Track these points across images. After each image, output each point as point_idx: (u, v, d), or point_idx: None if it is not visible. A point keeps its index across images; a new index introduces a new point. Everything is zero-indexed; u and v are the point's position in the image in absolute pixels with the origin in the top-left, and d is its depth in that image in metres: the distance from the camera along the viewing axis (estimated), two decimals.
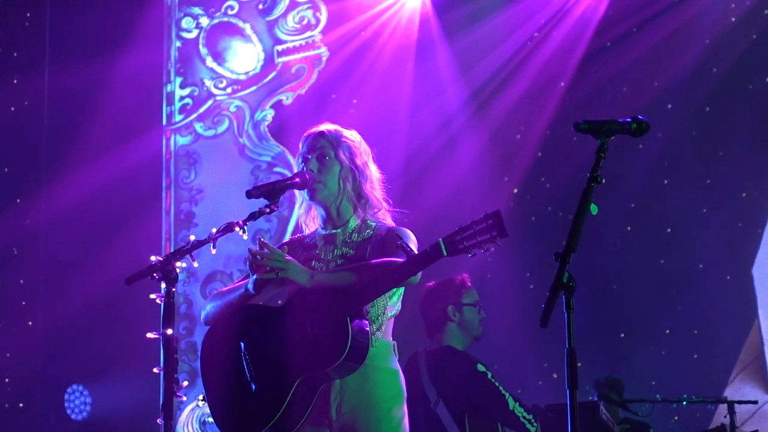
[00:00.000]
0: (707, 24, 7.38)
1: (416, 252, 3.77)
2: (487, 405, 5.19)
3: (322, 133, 4.13)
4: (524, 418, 5.15)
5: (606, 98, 7.43)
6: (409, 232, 4.01)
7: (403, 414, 3.95)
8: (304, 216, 4.22)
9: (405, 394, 3.99)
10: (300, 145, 4.17)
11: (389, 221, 4.12)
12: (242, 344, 3.94)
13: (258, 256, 3.85)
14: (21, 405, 8.18)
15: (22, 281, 8.34)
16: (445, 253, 3.65)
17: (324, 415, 3.88)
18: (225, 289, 4.18)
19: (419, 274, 3.81)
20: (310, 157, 4.10)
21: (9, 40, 8.62)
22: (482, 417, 5.24)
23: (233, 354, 3.95)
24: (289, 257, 3.89)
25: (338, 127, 4.18)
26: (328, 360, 3.73)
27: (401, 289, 4.03)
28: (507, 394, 5.17)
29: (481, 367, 5.24)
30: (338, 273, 3.89)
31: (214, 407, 4.02)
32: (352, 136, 4.17)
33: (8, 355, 8.14)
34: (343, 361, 3.72)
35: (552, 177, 7.66)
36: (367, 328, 3.80)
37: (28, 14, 8.68)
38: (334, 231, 4.09)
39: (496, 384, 5.18)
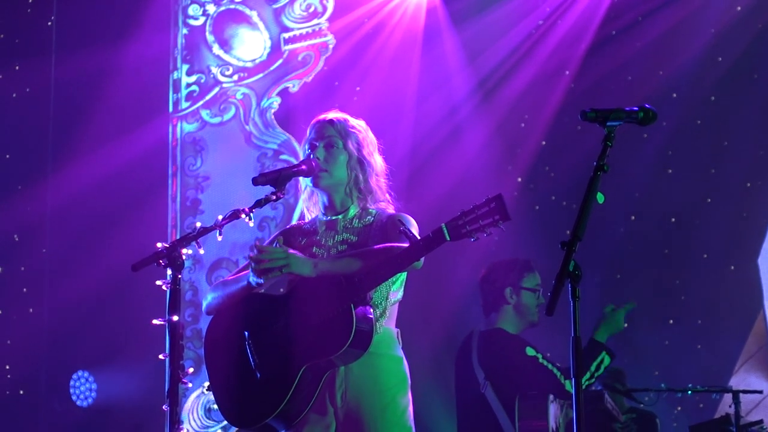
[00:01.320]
0: (713, 13, 7.36)
1: (418, 237, 3.78)
2: (540, 386, 5.21)
3: (331, 121, 4.13)
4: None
5: (611, 87, 7.42)
6: (410, 217, 4.02)
7: (408, 401, 3.97)
8: (306, 201, 4.24)
9: (409, 381, 4.00)
10: (308, 131, 4.18)
11: (390, 209, 4.13)
12: (246, 333, 3.95)
13: (259, 261, 3.86)
14: (21, 392, 8.18)
15: (23, 268, 8.33)
16: (448, 238, 3.65)
17: (329, 403, 3.89)
18: (228, 277, 4.19)
19: (422, 260, 3.81)
20: (317, 144, 4.10)
21: (10, 26, 8.60)
22: (533, 399, 5.24)
23: (237, 343, 3.96)
24: (290, 251, 3.89)
25: (347, 116, 4.19)
26: (333, 347, 3.74)
27: (403, 276, 4.03)
28: (558, 373, 5.17)
29: (530, 351, 5.24)
30: (341, 260, 3.89)
31: (219, 396, 4.03)
32: (360, 126, 4.18)
33: (9, 342, 8.14)
34: (347, 348, 3.73)
35: (556, 166, 7.65)
36: (371, 315, 3.81)
37: (30, 0, 8.67)
38: (335, 217, 4.11)
39: (548, 365, 5.19)
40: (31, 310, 8.23)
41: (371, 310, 3.82)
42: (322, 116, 4.19)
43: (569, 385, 5.10)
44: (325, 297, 3.78)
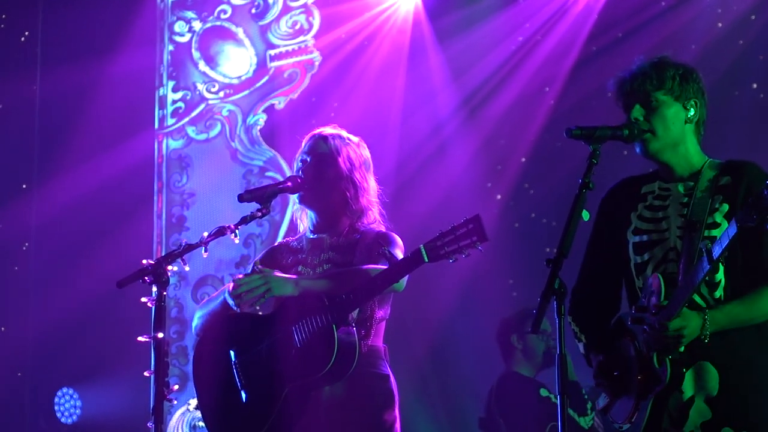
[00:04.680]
0: (695, 30, 7.39)
1: (402, 257, 3.79)
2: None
3: (326, 137, 4.10)
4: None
5: (593, 104, 7.44)
6: (396, 237, 4.01)
7: (394, 418, 3.96)
8: (297, 211, 4.23)
9: (396, 398, 3.99)
10: (303, 143, 4.16)
11: (380, 228, 4.11)
12: (232, 353, 3.95)
13: (238, 296, 3.87)
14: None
15: None
16: (426, 260, 3.67)
17: (315, 422, 3.88)
18: (213, 295, 4.20)
19: (404, 281, 3.81)
20: (308, 159, 4.09)
21: None
22: None
23: (224, 363, 3.96)
24: (270, 273, 3.89)
25: (344, 135, 4.14)
26: (316, 367, 3.74)
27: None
28: (573, 412, 5.41)
29: (544, 392, 5.53)
30: (322, 279, 3.89)
31: (207, 416, 4.04)
32: (355, 146, 4.14)
33: None
34: (330, 368, 3.73)
35: (535, 183, 7.66)
36: (354, 335, 3.80)
37: (4, 16, 8.61)
38: (321, 235, 4.10)
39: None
40: (2, 328, 8.16)
41: (354, 330, 3.81)
42: (318, 131, 4.16)
43: (583, 422, 5.32)
44: (308, 317, 3.79)
